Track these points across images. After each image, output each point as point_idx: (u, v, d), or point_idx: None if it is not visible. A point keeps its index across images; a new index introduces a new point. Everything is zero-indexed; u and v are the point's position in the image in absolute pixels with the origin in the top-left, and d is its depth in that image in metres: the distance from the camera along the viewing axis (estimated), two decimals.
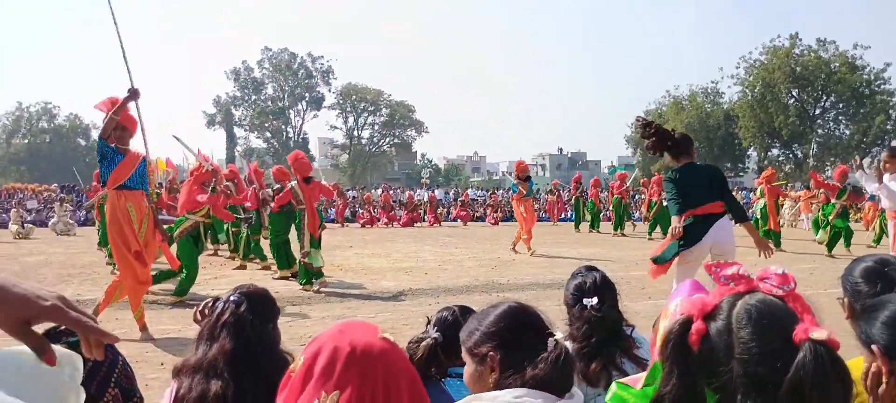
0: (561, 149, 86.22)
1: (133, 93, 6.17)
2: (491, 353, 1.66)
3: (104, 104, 6.34)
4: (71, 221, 20.95)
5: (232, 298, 2.07)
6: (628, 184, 20.72)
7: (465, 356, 1.76)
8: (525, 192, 13.89)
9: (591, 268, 2.65)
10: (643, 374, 1.53)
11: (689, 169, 5.75)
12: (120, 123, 6.27)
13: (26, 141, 59.64)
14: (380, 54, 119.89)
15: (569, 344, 2.49)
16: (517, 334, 1.69)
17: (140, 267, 6.39)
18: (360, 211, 27.10)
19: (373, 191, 34.77)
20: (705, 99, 52.53)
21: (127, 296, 6.55)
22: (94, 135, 59.46)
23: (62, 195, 26.63)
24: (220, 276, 10.60)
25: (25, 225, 19.65)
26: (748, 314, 1.13)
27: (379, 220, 25.73)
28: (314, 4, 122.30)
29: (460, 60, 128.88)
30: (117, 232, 6.31)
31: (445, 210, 29.74)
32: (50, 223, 20.88)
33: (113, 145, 6.28)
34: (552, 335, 1.70)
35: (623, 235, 19.34)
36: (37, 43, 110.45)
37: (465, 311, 2.35)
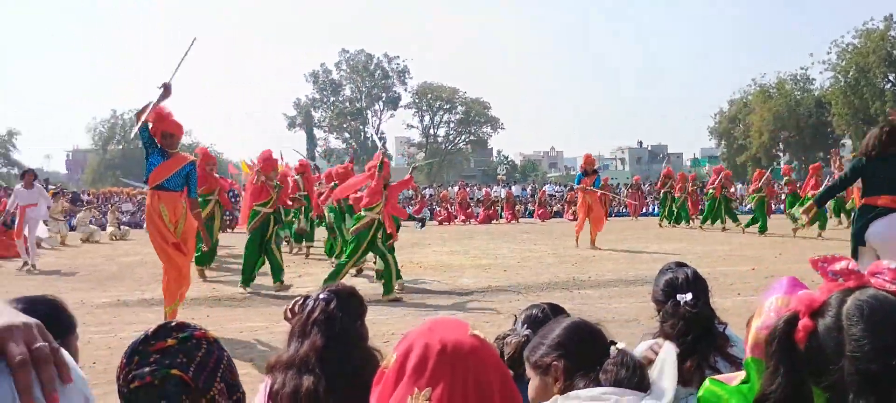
0: (640, 142, 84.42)
1: (166, 89, 6.36)
2: (555, 363, 1.74)
3: (150, 115, 6.46)
4: None
5: (321, 296, 2.12)
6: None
7: (529, 372, 1.84)
8: (590, 185, 13.89)
9: (680, 264, 2.58)
10: (738, 374, 1.48)
11: (889, 159, 5.29)
12: (167, 130, 6.53)
13: (120, 147, 62.75)
14: (455, 52, 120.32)
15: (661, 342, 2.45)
16: (581, 345, 1.76)
17: (180, 257, 6.58)
18: (437, 209, 27.30)
19: (449, 188, 34.95)
20: (794, 86, 50.43)
21: (174, 296, 6.66)
22: (184, 139, 62.00)
23: None
24: (303, 275, 10.88)
25: (121, 226, 20.73)
26: (860, 310, 1.07)
27: (456, 218, 25.84)
28: (389, 5, 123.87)
29: (535, 55, 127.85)
30: (154, 228, 6.57)
31: (523, 207, 29.61)
32: (144, 225, 21.96)
33: (159, 146, 6.54)
34: (614, 343, 1.77)
35: (724, 229, 18.57)
36: (129, 54, 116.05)
37: (555, 309, 2.33)
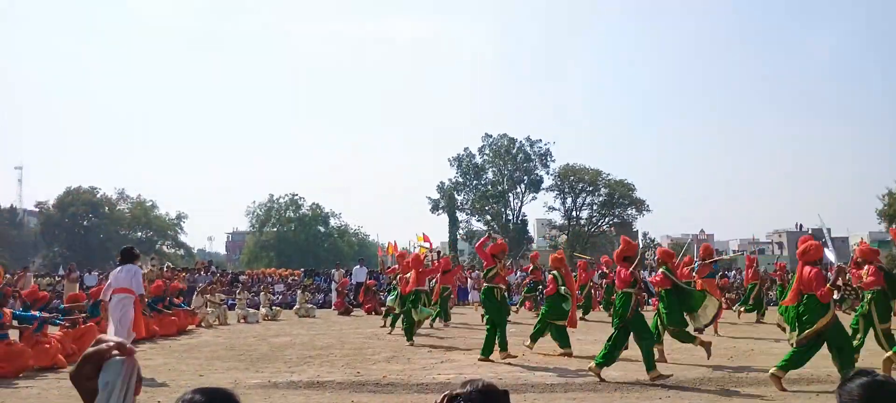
0: (800, 225, 78.66)
1: None
2: None
3: None
4: (310, 305, 22.81)
5: (461, 396, 2.05)
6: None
7: None
8: (706, 273, 14.54)
9: None
10: None
11: None
12: None
13: (275, 229, 66.62)
14: (598, 133, 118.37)
15: None
16: None
17: None
18: (580, 294, 26.61)
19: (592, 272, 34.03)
20: None
21: None
22: (333, 222, 65.09)
23: (304, 282, 29.16)
24: (445, 361, 10.86)
25: (273, 307, 21.77)
26: None
27: (600, 304, 25.05)
28: (531, 90, 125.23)
29: (683, 133, 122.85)
30: None
31: None
32: (294, 306, 22.83)
33: None
34: None
35: None
36: (283, 143, 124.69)
37: None
